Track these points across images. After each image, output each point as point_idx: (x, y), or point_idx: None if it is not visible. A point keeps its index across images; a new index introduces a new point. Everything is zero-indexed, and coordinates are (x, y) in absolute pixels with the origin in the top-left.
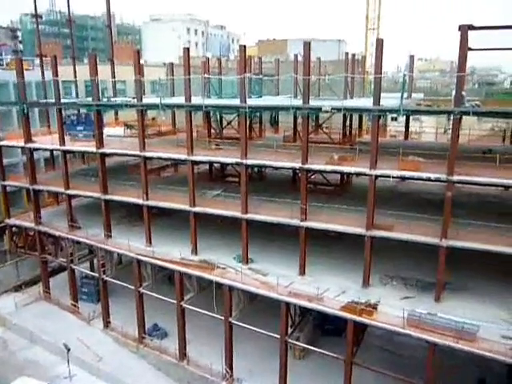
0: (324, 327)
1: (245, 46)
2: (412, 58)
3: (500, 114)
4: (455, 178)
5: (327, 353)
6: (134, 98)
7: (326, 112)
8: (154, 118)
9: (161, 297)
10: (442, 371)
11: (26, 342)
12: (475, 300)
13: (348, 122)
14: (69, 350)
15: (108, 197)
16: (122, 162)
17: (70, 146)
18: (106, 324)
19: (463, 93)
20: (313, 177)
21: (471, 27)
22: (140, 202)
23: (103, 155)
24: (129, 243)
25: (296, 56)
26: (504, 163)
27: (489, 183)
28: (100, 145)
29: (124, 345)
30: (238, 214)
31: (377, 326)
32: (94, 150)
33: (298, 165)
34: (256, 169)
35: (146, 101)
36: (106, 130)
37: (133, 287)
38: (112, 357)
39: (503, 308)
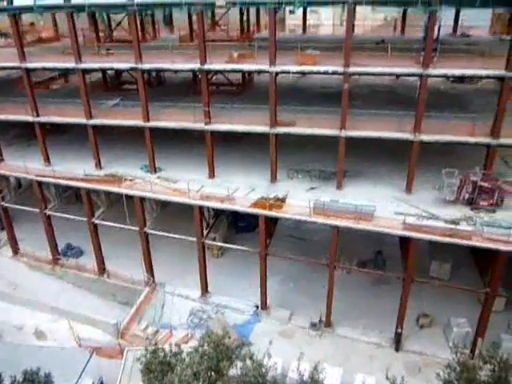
0: (238, 225)
1: None
2: None
3: (390, 3)
4: (351, 69)
5: (243, 248)
6: (2, 0)
7: (221, 7)
8: (32, 24)
9: (69, 216)
10: (344, 249)
11: None
12: (371, 183)
13: (245, 18)
14: None
15: None
16: (1, 76)
17: None
18: (15, 251)
19: None
20: (214, 77)
21: None
22: (30, 119)
23: None
24: (25, 165)
25: None
26: (395, 52)
27: (381, 73)
28: None
29: (38, 269)
30: (139, 122)
31: (286, 218)
32: None
33: (196, 66)
34: (154, 73)
35: (17, 3)
36: None
37: (37, 210)
38: (27, 282)
39: (394, 188)
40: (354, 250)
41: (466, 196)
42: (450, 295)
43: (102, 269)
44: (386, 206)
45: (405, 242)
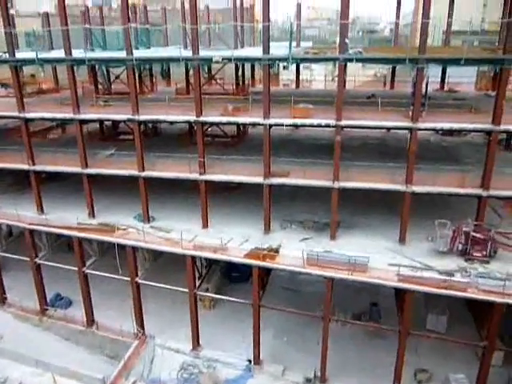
0: (231, 275)
1: None
2: (299, 6)
3: (380, 61)
4: (343, 122)
5: (235, 299)
6: (5, 52)
7: (218, 62)
8: (33, 75)
9: (60, 265)
10: (339, 301)
11: None
12: (365, 234)
13: (241, 72)
14: None
15: None
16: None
17: None
18: (3, 300)
19: (346, 40)
20: (209, 129)
21: None
22: (25, 167)
23: None
24: (17, 213)
25: (183, 4)
26: (385, 106)
27: (372, 126)
28: None
29: (25, 320)
30: (134, 172)
31: (280, 269)
32: None
33: (192, 118)
34: (150, 124)
35: (19, 55)
36: None
37: (27, 259)
38: (13, 334)
39: (388, 239)
40: (349, 301)
41: (460, 247)
42: (447, 349)
43: (90, 320)
44: (379, 257)
45: (400, 293)
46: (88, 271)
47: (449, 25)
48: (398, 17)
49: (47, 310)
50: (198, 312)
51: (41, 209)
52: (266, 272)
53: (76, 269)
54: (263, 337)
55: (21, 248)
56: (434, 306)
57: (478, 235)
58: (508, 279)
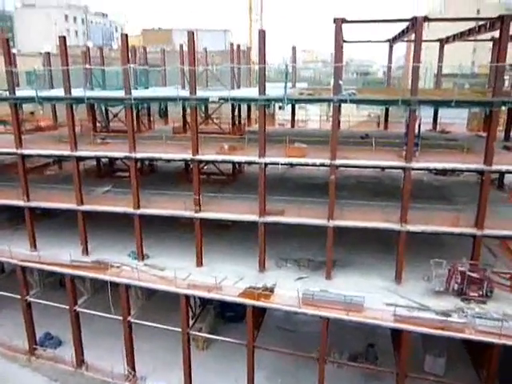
0: (225, 315)
1: (126, 35)
2: (294, 49)
3: (373, 102)
4: (337, 162)
5: (229, 340)
6: (5, 90)
7: (214, 102)
8: (32, 113)
9: (51, 303)
10: (335, 341)
11: None
12: (361, 273)
13: (237, 112)
14: None
15: None
16: None
17: None
18: None
19: (340, 82)
20: (205, 167)
21: (344, 20)
22: (20, 203)
23: None
24: (10, 249)
25: (181, 46)
26: (379, 146)
27: (366, 165)
28: None
29: (13, 360)
30: (129, 209)
31: (275, 308)
32: None
33: (188, 156)
34: (147, 162)
35: (20, 93)
36: None
37: (18, 296)
38: (0, 374)
39: (384, 278)
40: (345, 342)
41: (456, 287)
42: None
43: (80, 361)
44: (375, 297)
45: (396, 334)
46: (80, 310)
47: (440, 68)
48: (390, 60)
49: (36, 349)
50: (191, 352)
51: (34, 245)
52: (261, 311)
53: (67, 307)
54: (257, 378)
55: (12, 285)
56: (431, 347)
57: (473, 275)
58: (504, 320)
